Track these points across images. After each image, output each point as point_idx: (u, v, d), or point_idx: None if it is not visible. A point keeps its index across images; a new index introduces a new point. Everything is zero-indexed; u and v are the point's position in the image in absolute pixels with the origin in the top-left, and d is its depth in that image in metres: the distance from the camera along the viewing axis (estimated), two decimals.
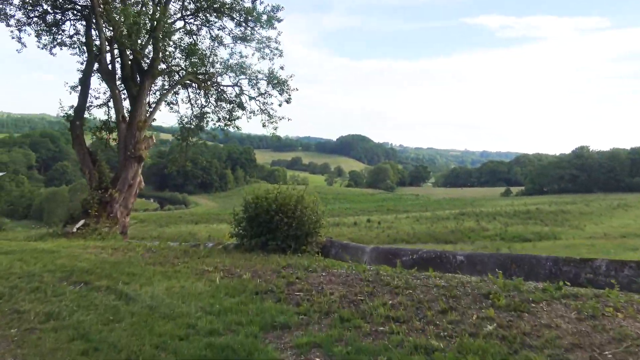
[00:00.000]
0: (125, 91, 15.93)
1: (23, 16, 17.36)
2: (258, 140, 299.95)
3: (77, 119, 14.91)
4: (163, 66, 17.78)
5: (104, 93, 18.15)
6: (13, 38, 17.57)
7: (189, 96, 19.77)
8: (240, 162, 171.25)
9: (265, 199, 10.28)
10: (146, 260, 8.65)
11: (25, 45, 17.87)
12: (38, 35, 17.82)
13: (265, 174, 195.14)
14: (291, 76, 19.35)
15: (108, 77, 14.70)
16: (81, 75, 15.65)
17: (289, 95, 19.34)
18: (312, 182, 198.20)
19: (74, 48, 18.60)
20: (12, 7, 17.26)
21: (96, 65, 16.00)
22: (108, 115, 19.06)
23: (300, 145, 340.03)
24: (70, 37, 18.46)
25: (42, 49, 18.09)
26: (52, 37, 18.05)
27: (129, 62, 15.76)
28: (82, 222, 13.14)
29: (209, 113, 20.34)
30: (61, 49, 18.72)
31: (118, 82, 16.39)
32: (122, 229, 13.99)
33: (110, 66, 15.06)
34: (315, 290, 6.61)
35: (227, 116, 20.06)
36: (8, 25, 17.21)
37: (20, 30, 17.33)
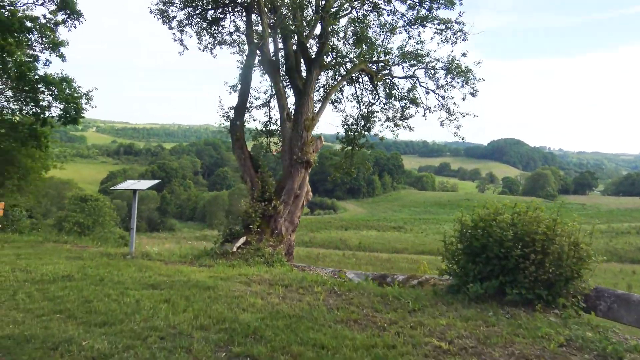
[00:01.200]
0: (289, 86, 13.75)
1: (184, 16, 16.44)
2: (404, 145, 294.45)
3: (237, 119, 13.00)
4: (327, 59, 15.42)
5: (264, 92, 16.41)
6: (175, 40, 16.98)
7: (356, 93, 17.20)
8: (388, 168, 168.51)
9: (494, 222, 6.88)
10: (334, 315, 5.81)
11: (186, 48, 17.28)
12: (199, 36, 16.95)
13: (413, 180, 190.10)
14: (479, 63, 15.81)
15: (271, 68, 12.52)
16: (241, 70, 13.79)
17: (474, 86, 15.79)
18: (461, 189, 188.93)
19: (234, 46, 17.52)
20: (173, 7, 16.63)
21: (257, 59, 14.14)
22: (269, 116, 17.33)
23: (448, 150, 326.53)
24: (230, 34, 17.44)
25: (203, 50, 17.30)
26: (212, 36, 17.04)
27: (294, 51, 13.52)
28: (242, 239, 11.02)
29: (377, 112, 17.58)
30: (221, 47, 17.74)
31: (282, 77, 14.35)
32: (287, 248, 11.65)
33: (273, 57, 12.89)
34: None
35: (398, 115, 17.07)
36: (170, 28, 16.45)
37: (181, 32, 16.57)
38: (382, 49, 15.64)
